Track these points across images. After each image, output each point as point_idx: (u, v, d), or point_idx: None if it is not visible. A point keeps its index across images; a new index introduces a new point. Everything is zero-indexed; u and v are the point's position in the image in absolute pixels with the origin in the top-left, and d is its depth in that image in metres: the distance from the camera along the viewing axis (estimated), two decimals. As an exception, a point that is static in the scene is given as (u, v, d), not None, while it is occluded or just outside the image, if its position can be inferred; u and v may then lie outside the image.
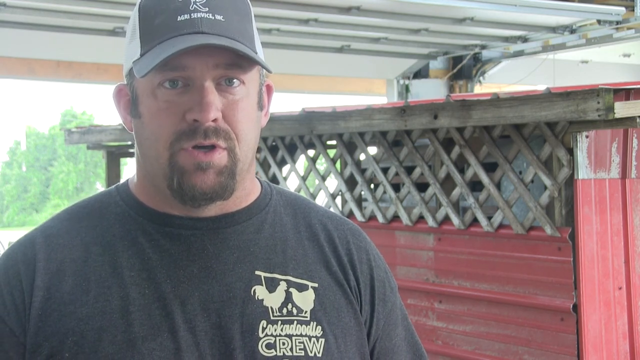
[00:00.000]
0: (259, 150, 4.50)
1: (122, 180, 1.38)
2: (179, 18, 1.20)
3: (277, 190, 1.40)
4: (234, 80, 1.23)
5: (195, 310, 1.23)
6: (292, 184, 4.47)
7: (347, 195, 3.97)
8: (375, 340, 1.35)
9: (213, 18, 1.21)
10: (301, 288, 1.29)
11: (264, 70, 1.28)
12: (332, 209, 4.04)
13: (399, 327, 1.40)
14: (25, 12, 5.53)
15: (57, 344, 1.20)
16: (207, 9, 1.21)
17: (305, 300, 1.28)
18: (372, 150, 4.03)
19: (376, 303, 1.35)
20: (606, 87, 2.70)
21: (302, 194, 4.13)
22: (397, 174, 3.71)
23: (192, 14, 1.20)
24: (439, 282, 3.50)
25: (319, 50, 7.23)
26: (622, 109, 2.68)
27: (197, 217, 1.27)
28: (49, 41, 6.39)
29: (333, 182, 4.15)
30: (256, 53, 1.24)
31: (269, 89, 1.34)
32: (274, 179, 4.39)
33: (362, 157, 3.94)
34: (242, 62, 1.22)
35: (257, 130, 1.28)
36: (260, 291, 1.26)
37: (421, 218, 3.62)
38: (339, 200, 4.17)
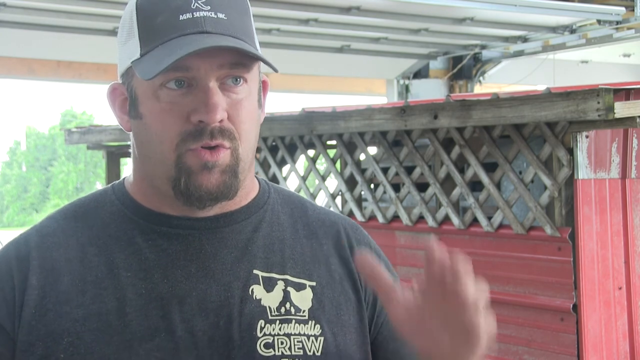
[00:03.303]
0: (259, 150, 4.50)
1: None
2: (181, 17, 1.18)
3: (274, 188, 1.38)
4: (239, 79, 1.21)
5: (193, 310, 1.21)
6: (292, 184, 4.47)
7: (347, 195, 3.96)
8: (376, 332, 1.35)
9: (216, 16, 1.19)
10: (299, 287, 1.27)
11: (261, 68, 1.27)
12: (332, 209, 4.04)
13: None
14: (25, 12, 5.52)
15: (52, 344, 1.18)
16: (209, 7, 1.19)
17: (304, 299, 1.27)
18: (372, 150, 4.02)
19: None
20: (606, 87, 2.70)
21: (302, 194, 4.13)
22: (397, 174, 3.71)
23: (194, 13, 1.18)
24: (439, 282, 3.49)
25: (319, 50, 7.22)
26: (622, 109, 2.68)
27: (195, 217, 1.26)
28: (49, 41, 6.38)
29: (333, 182, 4.14)
30: (257, 50, 1.23)
31: (265, 85, 1.33)
32: (274, 179, 4.38)
33: (362, 157, 3.93)
34: (246, 61, 1.20)
35: (257, 128, 1.27)
36: (258, 291, 1.25)
37: (421, 218, 3.62)
38: (339, 200, 4.17)
